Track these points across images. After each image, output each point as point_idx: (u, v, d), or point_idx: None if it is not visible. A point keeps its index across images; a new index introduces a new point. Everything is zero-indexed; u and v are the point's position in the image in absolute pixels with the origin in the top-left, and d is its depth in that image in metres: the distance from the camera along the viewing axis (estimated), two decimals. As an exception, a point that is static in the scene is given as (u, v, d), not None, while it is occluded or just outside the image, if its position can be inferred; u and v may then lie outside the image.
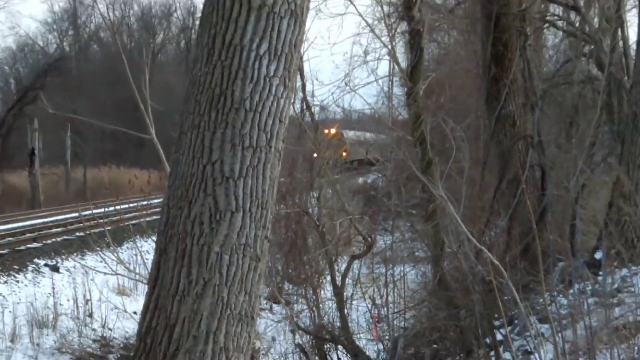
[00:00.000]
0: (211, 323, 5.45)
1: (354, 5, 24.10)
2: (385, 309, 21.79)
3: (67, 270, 27.79)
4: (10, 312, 21.49)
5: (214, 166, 5.45)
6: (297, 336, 19.63)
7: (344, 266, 20.46)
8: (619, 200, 16.94)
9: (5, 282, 25.26)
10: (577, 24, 22.91)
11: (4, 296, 23.53)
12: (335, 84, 24.28)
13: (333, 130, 25.70)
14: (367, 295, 21.96)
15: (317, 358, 18.52)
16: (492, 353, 15.43)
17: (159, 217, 6.21)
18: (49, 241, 33.18)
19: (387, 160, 27.75)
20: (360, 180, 40.07)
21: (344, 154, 27.31)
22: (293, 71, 5.74)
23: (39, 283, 25.92)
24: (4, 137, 63.04)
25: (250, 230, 5.53)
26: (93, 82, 72.40)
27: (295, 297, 21.73)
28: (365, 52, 24.61)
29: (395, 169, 25.35)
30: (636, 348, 9.93)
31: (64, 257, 30.08)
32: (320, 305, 19.83)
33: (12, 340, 20.26)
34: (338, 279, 19.91)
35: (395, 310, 21.89)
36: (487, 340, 16.19)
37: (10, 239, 33.05)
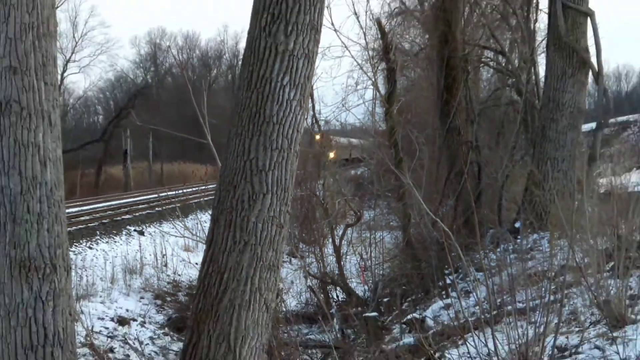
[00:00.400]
0: (249, 271, 5.47)
1: (349, 51, 24.10)
2: (370, 261, 21.78)
3: (150, 234, 28.01)
4: (110, 263, 21.59)
5: (252, 162, 5.47)
6: (308, 280, 19.65)
7: (341, 232, 20.46)
8: (531, 186, 16.91)
9: (107, 242, 25.49)
10: (503, 64, 22.86)
11: (106, 252, 23.72)
12: (335, 105, 24.38)
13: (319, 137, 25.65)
14: (357, 252, 21.97)
15: (322, 295, 18.50)
16: (443, 293, 15.41)
17: (213, 197, 6.23)
18: (137, 214, 33.42)
19: (371, 158, 27.71)
20: (353, 172, 39.86)
21: (332, 154, 27.13)
22: (306, 96, 5.74)
23: (130, 243, 26.13)
24: (106, 142, 63.38)
25: (276, 207, 5.55)
26: (167, 103, 72.39)
27: (307, 253, 21.72)
28: (357, 83, 24.52)
29: (376, 164, 25.28)
30: (543, 289, 9.89)
31: (147, 224, 30.43)
32: (325, 259, 19.81)
33: (111, 282, 20.38)
34: (337, 241, 19.92)
35: (376, 262, 21.89)
36: (440, 283, 16.19)
37: (110, 212, 33.49)
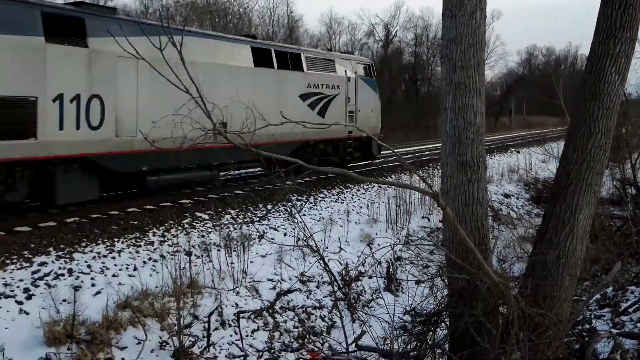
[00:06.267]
0: (585, 174, 4.76)
1: None
2: None
3: (522, 152, 25.95)
4: (499, 165, 20.84)
5: (589, 115, 4.72)
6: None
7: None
8: None
9: (500, 155, 24.44)
10: None
11: (498, 160, 22.77)
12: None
13: None
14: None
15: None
16: None
17: (565, 134, 5.54)
18: (516, 141, 31.54)
19: None
20: None
21: None
22: (625, 76, 4.83)
23: (511, 157, 24.47)
24: (500, 105, 59.73)
25: (602, 140, 4.72)
26: (535, 83, 65.35)
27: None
28: None
29: None
30: None
31: (522, 148, 27.91)
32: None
33: (501, 175, 19.67)
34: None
35: None
36: None
37: (501, 140, 32.02)
